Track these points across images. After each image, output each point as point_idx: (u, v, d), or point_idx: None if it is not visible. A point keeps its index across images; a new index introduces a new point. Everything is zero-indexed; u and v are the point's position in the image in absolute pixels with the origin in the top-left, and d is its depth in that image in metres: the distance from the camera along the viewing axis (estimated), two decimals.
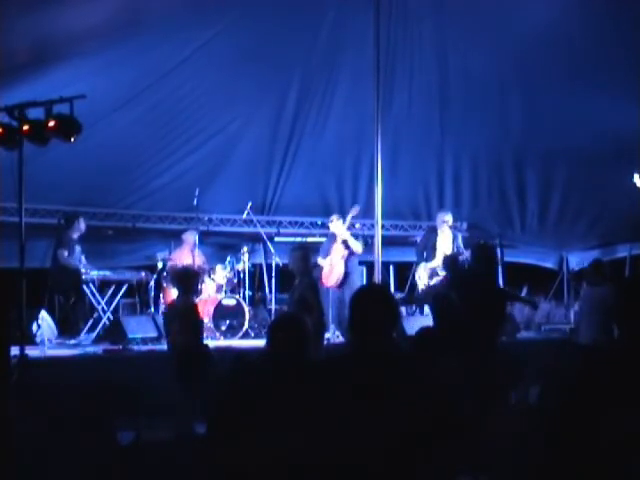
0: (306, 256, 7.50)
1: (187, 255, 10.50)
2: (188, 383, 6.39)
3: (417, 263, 10.20)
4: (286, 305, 7.83)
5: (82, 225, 9.77)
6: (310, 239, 11.74)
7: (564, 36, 9.76)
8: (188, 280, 6.99)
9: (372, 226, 9.96)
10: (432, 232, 10.23)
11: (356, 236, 10.08)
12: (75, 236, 9.69)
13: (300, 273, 7.29)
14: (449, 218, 10.09)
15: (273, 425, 3.15)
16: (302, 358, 3.63)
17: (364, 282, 10.60)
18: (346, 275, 9.63)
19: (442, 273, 9.51)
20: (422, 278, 9.88)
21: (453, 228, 10.07)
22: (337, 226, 9.85)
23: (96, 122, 9.08)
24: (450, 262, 8.83)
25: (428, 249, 10.04)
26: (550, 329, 11.45)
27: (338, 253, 9.69)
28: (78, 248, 9.66)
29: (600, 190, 11.94)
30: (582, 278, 9.95)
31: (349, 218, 9.91)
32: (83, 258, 9.71)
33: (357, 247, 9.75)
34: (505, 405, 5.70)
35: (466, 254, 10.27)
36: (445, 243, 9.97)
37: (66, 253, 9.48)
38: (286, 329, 3.66)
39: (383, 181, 9.06)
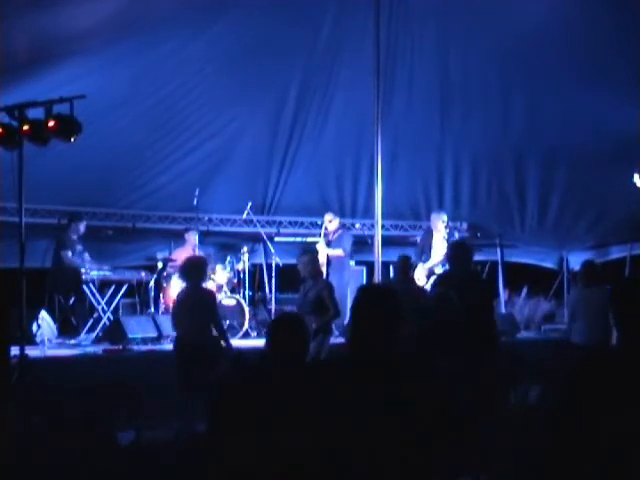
0: (314, 259, 7.89)
1: (189, 254, 10.49)
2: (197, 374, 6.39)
3: (416, 264, 10.25)
4: (296, 305, 7.87)
5: (81, 227, 9.82)
6: (310, 239, 11.74)
7: (564, 36, 9.76)
8: (198, 269, 7.04)
9: (372, 226, 9.99)
10: (428, 233, 10.34)
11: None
12: (75, 237, 9.72)
13: (313, 276, 7.56)
14: (445, 218, 10.14)
15: (273, 425, 3.15)
16: (302, 358, 3.63)
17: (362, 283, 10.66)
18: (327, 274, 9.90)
19: (438, 271, 9.58)
20: (421, 279, 9.93)
21: (448, 228, 10.12)
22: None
23: (96, 121, 9.07)
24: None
25: (426, 250, 10.14)
26: (550, 329, 11.44)
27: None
28: (79, 247, 9.69)
29: (600, 190, 11.93)
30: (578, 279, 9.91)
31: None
32: (87, 255, 9.74)
33: (337, 253, 10.26)
34: (505, 405, 5.71)
35: None
36: (440, 243, 10.02)
37: (70, 253, 9.51)
38: (285, 329, 3.65)
39: (383, 181, 9.06)
